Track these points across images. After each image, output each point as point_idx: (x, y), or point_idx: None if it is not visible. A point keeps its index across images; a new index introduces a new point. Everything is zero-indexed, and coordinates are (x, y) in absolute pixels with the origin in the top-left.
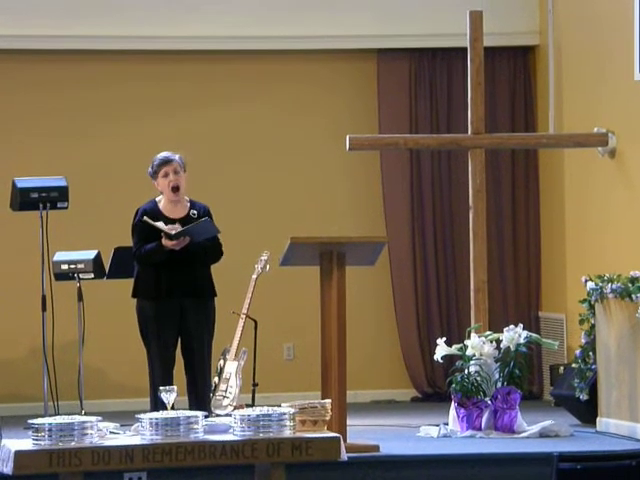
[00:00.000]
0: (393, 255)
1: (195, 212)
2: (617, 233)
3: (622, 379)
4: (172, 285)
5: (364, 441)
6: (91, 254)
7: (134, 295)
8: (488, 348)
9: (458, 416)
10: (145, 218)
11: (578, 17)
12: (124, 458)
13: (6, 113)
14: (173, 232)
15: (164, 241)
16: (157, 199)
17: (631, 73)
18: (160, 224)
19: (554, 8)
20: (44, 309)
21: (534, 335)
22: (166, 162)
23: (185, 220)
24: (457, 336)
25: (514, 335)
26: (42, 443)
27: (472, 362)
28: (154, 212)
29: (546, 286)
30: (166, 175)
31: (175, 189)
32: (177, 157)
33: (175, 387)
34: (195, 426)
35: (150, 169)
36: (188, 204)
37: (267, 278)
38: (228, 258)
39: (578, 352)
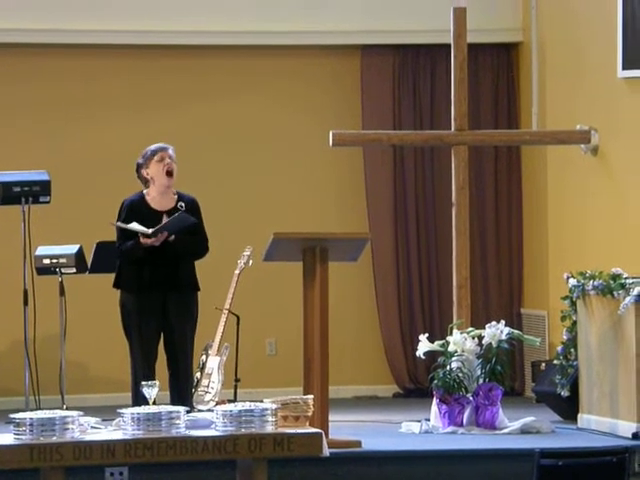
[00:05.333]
0: (376, 251)
1: (182, 204)
2: (599, 230)
3: (603, 376)
4: (154, 279)
5: (346, 437)
6: (73, 249)
7: (115, 286)
8: (470, 344)
9: (440, 412)
10: (118, 223)
11: (561, 14)
12: (105, 453)
13: None
14: (150, 231)
15: (142, 239)
16: (145, 191)
17: (614, 71)
18: (134, 225)
19: (537, 5)
20: (26, 303)
21: (516, 331)
22: (162, 148)
23: (172, 212)
24: (439, 332)
25: (496, 331)
26: (23, 438)
27: (454, 358)
28: (140, 204)
29: (528, 283)
30: (161, 159)
31: (170, 173)
32: (171, 148)
33: (157, 382)
34: (177, 421)
35: (141, 158)
36: (175, 196)
37: (250, 273)
38: (211, 253)
39: (560, 349)
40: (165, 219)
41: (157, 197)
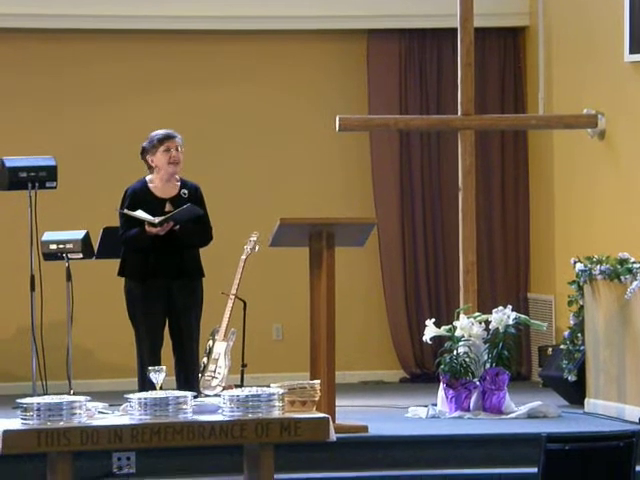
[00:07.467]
0: (382, 236)
1: (186, 192)
2: (606, 214)
3: (610, 360)
4: (159, 266)
5: (353, 422)
6: (80, 234)
7: (120, 274)
8: (477, 329)
9: (446, 397)
10: (125, 210)
11: None
12: (113, 438)
13: None
14: (157, 221)
15: (147, 228)
16: (147, 178)
17: (621, 54)
18: (140, 213)
19: None
20: (33, 289)
21: (523, 316)
22: (170, 137)
23: (176, 199)
24: (446, 317)
25: (503, 316)
26: (31, 423)
27: (461, 343)
28: (143, 191)
29: (535, 267)
30: (168, 150)
31: (175, 165)
32: (179, 136)
33: (164, 367)
34: (184, 406)
35: (147, 143)
36: (179, 183)
37: (256, 259)
38: (217, 238)
39: (566, 333)
40: (168, 206)
41: (160, 184)
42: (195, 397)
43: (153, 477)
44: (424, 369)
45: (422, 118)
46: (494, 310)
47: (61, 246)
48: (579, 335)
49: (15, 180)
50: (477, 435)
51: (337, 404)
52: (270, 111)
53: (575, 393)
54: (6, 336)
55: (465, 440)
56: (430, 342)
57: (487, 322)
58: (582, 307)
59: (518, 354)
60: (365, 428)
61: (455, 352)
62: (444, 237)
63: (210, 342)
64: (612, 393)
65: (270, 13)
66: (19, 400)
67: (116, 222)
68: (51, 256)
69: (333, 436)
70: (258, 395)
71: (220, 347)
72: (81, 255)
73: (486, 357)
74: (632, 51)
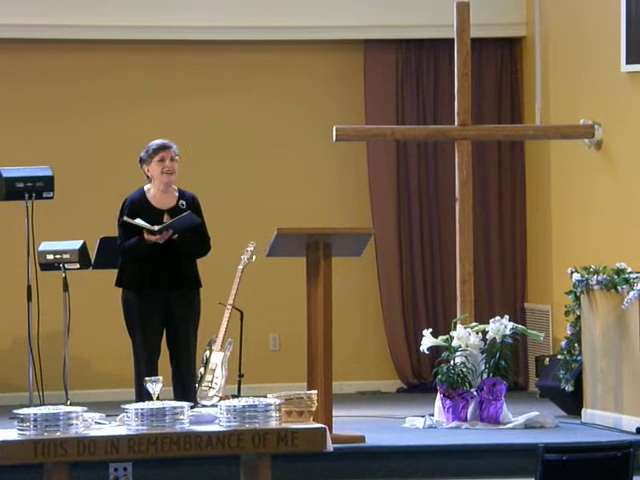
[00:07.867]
0: (379, 246)
1: (184, 202)
2: (603, 225)
3: (607, 371)
4: (157, 276)
5: (350, 432)
6: (77, 244)
7: (117, 284)
8: (474, 339)
9: (444, 407)
10: (125, 218)
11: (565, 9)
12: (109, 448)
13: None
14: (156, 228)
15: (146, 236)
16: (145, 188)
17: (617, 65)
18: (139, 221)
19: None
20: (29, 299)
21: (520, 326)
22: (164, 147)
23: (174, 210)
24: (443, 327)
25: (500, 326)
26: (27, 433)
27: (458, 353)
28: (142, 202)
29: (532, 277)
30: (162, 160)
31: (169, 176)
32: (174, 146)
33: (161, 378)
34: (181, 417)
35: (144, 153)
36: (177, 194)
37: (253, 269)
38: (214, 248)
39: (564, 343)
40: (166, 217)
41: (158, 195)
42: (192, 407)
43: None
44: (421, 379)
45: (419, 128)
46: (491, 320)
47: (58, 256)
48: (576, 345)
49: (12, 190)
50: (474, 445)
51: (334, 414)
52: (267, 121)
53: (572, 403)
54: (3, 346)
55: (462, 450)
56: (427, 352)
57: (484, 332)
58: (579, 317)
59: (515, 364)
60: (362, 438)
61: (452, 362)
62: (441, 247)
63: (207, 352)
64: (609, 403)
65: (267, 24)
66: (16, 411)
67: (113, 232)
68: (48, 266)
69: (330, 446)
70: (255, 405)
71: (217, 357)
72: (78, 265)
73: (483, 367)
74: (629, 61)
